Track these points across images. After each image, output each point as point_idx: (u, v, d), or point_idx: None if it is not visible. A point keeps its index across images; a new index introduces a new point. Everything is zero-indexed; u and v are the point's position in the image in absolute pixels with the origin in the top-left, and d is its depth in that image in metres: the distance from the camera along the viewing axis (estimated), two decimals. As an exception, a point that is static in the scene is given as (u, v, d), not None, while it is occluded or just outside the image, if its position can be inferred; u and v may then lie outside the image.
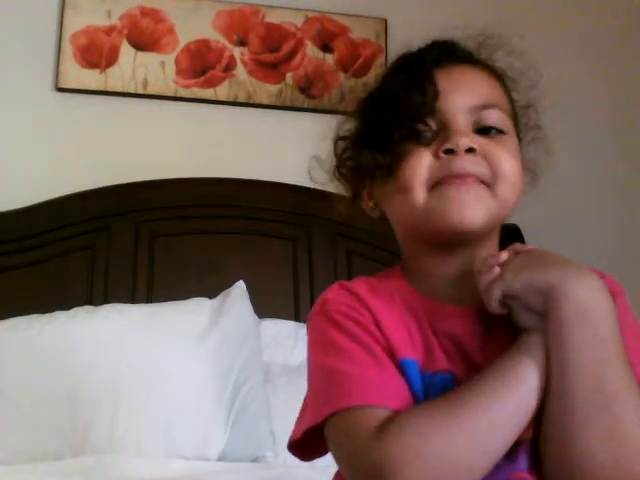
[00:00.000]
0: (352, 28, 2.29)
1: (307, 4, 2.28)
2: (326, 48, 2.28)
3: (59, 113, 2.10)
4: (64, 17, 2.12)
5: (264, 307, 1.90)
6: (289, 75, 2.25)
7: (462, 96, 0.74)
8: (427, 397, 0.69)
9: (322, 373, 0.71)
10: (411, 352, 0.71)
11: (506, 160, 0.73)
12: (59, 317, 1.69)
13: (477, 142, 0.72)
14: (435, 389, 0.69)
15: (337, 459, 0.68)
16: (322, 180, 0.84)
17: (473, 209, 0.71)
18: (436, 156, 0.72)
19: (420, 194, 0.72)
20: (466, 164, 0.71)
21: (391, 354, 0.70)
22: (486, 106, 0.75)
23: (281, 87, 2.24)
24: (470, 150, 0.72)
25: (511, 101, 0.81)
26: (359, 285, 0.77)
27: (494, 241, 0.78)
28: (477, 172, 0.72)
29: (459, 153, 0.71)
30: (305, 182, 2.00)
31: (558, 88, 1.62)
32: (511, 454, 0.66)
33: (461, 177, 0.71)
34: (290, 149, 2.15)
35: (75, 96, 2.11)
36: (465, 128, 0.73)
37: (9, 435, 1.52)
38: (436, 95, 0.73)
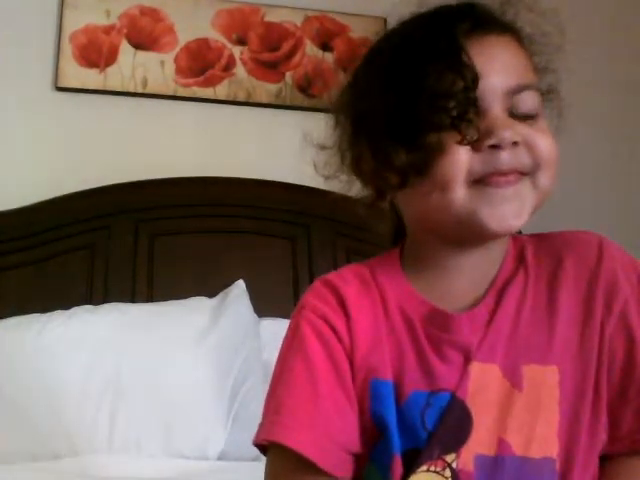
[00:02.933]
0: (352, 27, 2.29)
1: (307, 3, 2.28)
2: (326, 47, 2.28)
3: (58, 112, 2.10)
4: (63, 16, 2.12)
5: (264, 306, 1.90)
6: (288, 74, 2.25)
7: (498, 78, 0.66)
8: (423, 416, 0.66)
9: (270, 390, 0.71)
10: (391, 373, 0.68)
11: (546, 146, 0.67)
12: (59, 316, 1.69)
13: (519, 132, 0.66)
14: (433, 410, 0.67)
15: None
16: (326, 173, 0.76)
17: (517, 217, 0.66)
18: (476, 149, 0.65)
19: (460, 192, 0.65)
20: (511, 159, 0.65)
21: (364, 374, 0.68)
22: (521, 88, 0.67)
23: (280, 86, 2.24)
24: (514, 143, 0.65)
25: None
26: (347, 283, 0.72)
27: None
28: (520, 166, 0.66)
29: (504, 148, 0.65)
30: (305, 181, 2.01)
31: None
32: (534, 474, 0.64)
33: (505, 174, 0.65)
34: (290, 148, 2.15)
35: (74, 95, 2.11)
36: (504, 116, 0.66)
37: (9, 434, 1.52)
38: (476, 81, 0.64)
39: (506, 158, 0.65)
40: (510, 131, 0.65)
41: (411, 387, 0.67)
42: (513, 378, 0.67)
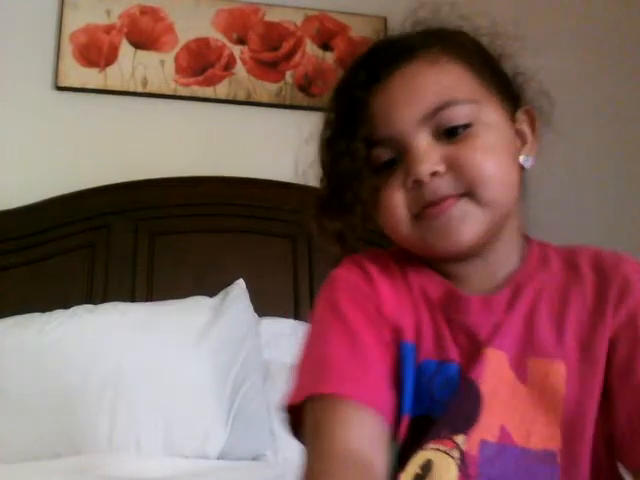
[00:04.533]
0: (352, 26, 2.29)
1: (307, 3, 2.28)
2: (326, 47, 2.28)
3: (59, 112, 2.10)
4: (63, 16, 2.12)
5: (264, 305, 1.90)
6: (289, 73, 2.25)
7: (406, 110, 0.68)
8: (430, 384, 0.68)
9: (306, 350, 0.71)
10: (412, 337, 0.70)
11: (477, 164, 0.66)
12: (59, 316, 1.69)
13: (441, 157, 0.67)
14: (440, 378, 0.68)
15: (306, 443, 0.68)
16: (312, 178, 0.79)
17: (459, 233, 0.67)
18: (406, 187, 0.68)
19: (405, 228, 0.69)
20: (437, 190, 0.66)
21: (393, 336, 0.70)
22: (440, 108, 0.67)
23: (281, 85, 2.24)
24: (434, 173, 0.66)
25: (484, 65, 0.72)
26: (372, 262, 0.75)
27: (510, 229, 0.73)
28: (451, 191, 0.66)
29: (426, 181, 0.66)
30: (305, 180, 2.01)
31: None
32: (537, 466, 0.65)
33: (438, 204, 0.67)
34: (289, 148, 2.15)
35: (74, 95, 2.11)
36: (422, 147, 0.67)
37: (9, 434, 1.52)
38: (369, 140, 0.69)
39: (430, 191, 0.67)
40: (425, 164, 0.66)
41: (423, 355, 0.69)
42: (518, 369, 0.68)
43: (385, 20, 2.26)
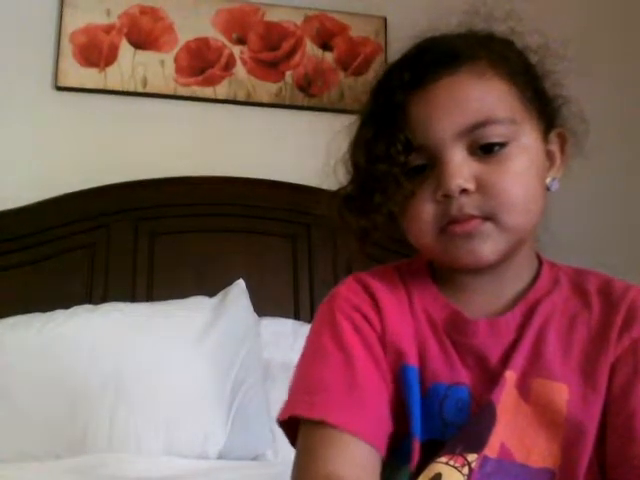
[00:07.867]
0: (351, 26, 2.29)
1: (306, 3, 2.28)
2: (326, 46, 2.28)
3: (58, 112, 2.10)
4: (63, 16, 2.12)
5: (264, 305, 1.90)
6: (288, 74, 2.25)
7: (446, 121, 0.67)
8: (442, 407, 0.68)
9: (301, 370, 0.71)
10: (415, 360, 0.70)
11: (509, 188, 0.67)
12: (59, 316, 1.69)
13: (472, 174, 0.67)
14: (451, 401, 0.69)
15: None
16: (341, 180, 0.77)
17: (481, 252, 0.67)
18: (435, 200, 0.68)
19: (429, 239, 0.70)
20: (464, 207, 0.67)
21: (395, 359, 0.70)
22: (480, 124, 0.67)
23: (280, 86, 2.24)
24: (464, 190, 0.67)
25: (528, 83, 0.71)
26: (376, 280, 0.75)
27: (527, 247, 0.74)
28: (476, 212, 0.67)
29: (455, 197, 0.67)
30: (305, 180, 2.01)
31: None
32: None
33: (463, 221, 0.67)
34: (289, 147, 2.16)
35: (74, 95, 2.11)
36: (456, 161, 0.67)
37: (9, 433, 1.52)
38: (408, 146, 0.68)
39: (457, 206, 0.67)
40: (456, 180, 0.66)
41: (432, 379, 0.69)
42: (522, 388, 0.69)
43: (385, 20, 2.26)
